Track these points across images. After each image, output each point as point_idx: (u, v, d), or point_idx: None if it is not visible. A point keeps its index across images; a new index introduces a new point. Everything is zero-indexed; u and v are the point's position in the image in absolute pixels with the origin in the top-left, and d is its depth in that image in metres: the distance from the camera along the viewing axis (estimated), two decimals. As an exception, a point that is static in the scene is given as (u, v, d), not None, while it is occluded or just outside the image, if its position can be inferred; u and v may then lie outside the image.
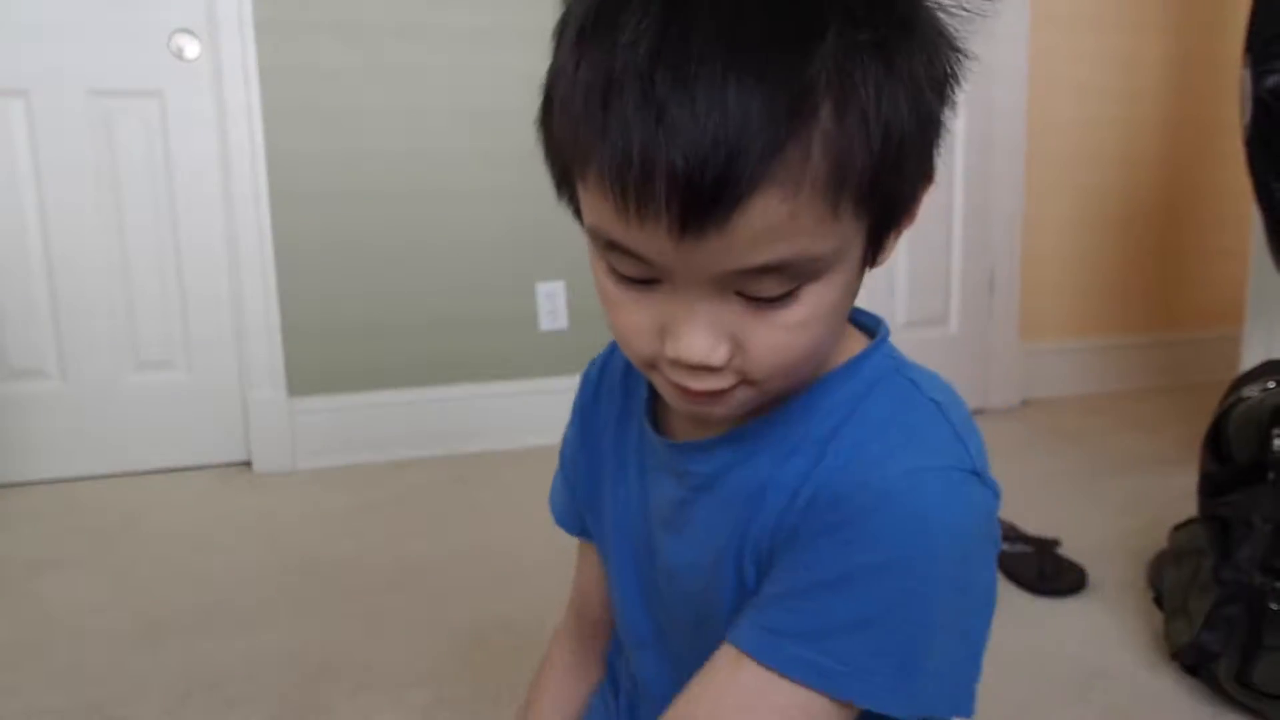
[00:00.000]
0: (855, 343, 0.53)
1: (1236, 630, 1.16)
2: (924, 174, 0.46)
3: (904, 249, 2.35)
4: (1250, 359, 1.79)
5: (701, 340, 0.43)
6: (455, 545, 1.70)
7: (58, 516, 1.92)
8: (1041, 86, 2.52)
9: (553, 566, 0.68)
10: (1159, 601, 1.38)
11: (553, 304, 2.32)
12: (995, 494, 0.49)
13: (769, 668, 0.46)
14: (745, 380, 0.45)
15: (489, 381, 2.31)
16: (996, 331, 2.61)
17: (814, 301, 0.43)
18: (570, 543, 0.71)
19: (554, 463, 0.69)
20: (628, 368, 0.62)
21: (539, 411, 2.26)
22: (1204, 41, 2.65)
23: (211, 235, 2.14)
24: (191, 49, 2.06)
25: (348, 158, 2.16)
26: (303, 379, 2.20)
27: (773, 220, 0.39)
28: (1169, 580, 1.35)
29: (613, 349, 0.65)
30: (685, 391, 0.46)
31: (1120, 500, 1.81)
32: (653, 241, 0.40)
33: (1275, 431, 1.18)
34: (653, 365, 0.47)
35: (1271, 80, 1.42)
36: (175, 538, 1.78)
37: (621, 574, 0.62)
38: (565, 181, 0.47)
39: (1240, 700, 1.15)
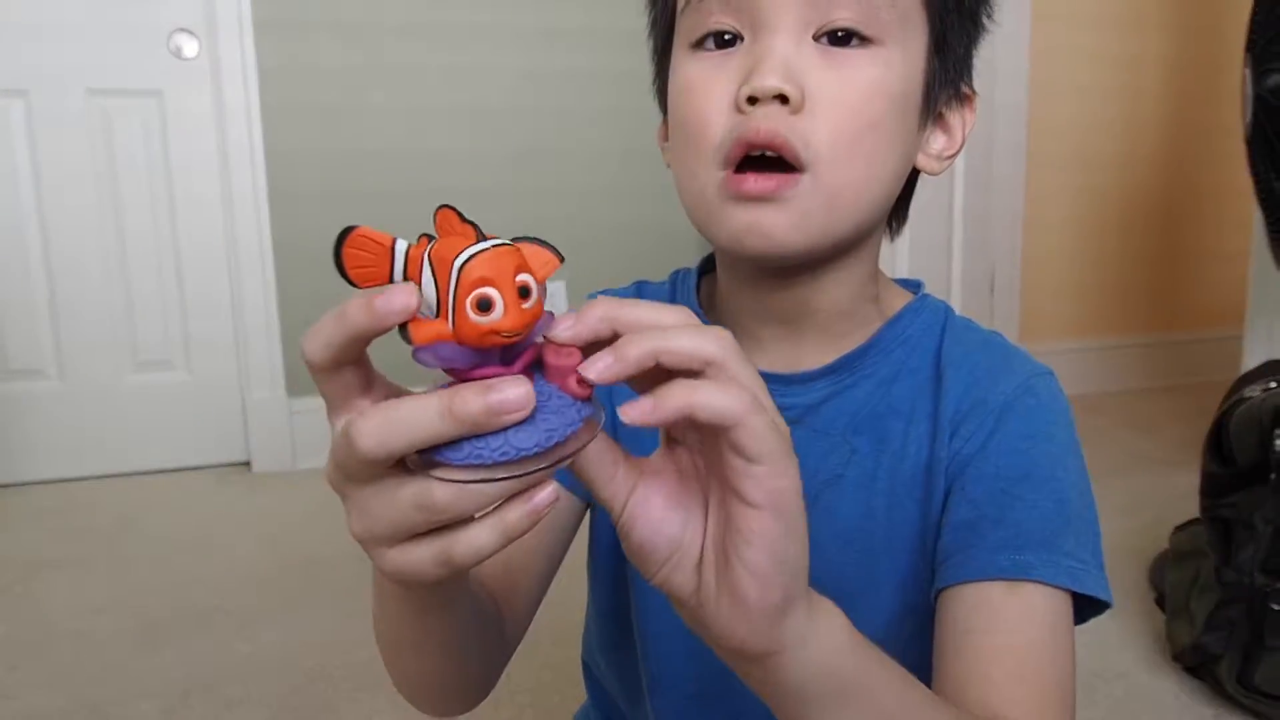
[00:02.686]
0: (906, 296, 0.59)
1: (1238, 631, 1.16)
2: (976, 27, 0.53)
3: (904, 250, 2.34)
4: (1252, 359, 1.78)
5: (778, 68, 0.46)
6: (455, 546, 1.69)
7: (56, 517, 1.92)
8: (1042, 87, 2.51)
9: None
10: (1160, 602, 1.38)
11: (553, 304, 2.31)
12: None
13: (1045, 583, 0.46)
14: (807, 167, 0.47)
15: (489, 382, 2.31)
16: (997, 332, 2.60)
17: (881, 67, 0.48)
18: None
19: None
20: None
21: (539, 412, 2.25)
22: (1205, 41, 2.65)
23: (211, 235, 2.14)
24: (190, 48, 2.06)
25: (347, 157, 2.16)
26: (302, 379, 2.19)
27: None
28: (1170, 581, 1.35)
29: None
30: (747, 189, 0.47)
31: (1121, 501, 1.80)
32: None
33: (1277, 432, 1.18)
34: (718, 160, 0.48)
35: (1272, 79, 1.41)
36: (174, 538, 1.78)
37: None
38: (663, 13, 0.55)
39: (1241, 702, 1.15)
